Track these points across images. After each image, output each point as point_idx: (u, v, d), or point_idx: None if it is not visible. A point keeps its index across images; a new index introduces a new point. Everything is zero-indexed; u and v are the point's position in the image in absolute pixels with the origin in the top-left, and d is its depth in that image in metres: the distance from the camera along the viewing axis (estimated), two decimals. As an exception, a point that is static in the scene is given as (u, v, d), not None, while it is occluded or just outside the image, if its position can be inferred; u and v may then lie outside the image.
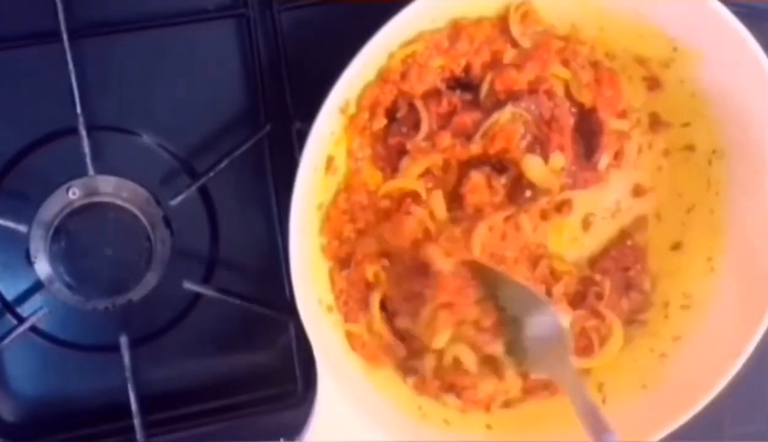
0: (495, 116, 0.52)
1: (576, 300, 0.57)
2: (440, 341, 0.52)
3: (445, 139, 0.52)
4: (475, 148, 0.52)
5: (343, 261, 0.54)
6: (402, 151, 0.53)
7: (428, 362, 0.54)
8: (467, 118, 0.53)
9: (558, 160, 0.53)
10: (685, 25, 0.51)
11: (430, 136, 0.53)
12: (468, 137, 0.52)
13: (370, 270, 0.53)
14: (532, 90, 0.53)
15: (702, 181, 0.56)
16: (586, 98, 0.54)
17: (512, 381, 0.55)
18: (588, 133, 0.55)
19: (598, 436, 0.45)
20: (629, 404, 0.56)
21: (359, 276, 0.53)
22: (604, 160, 0.55)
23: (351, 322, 0.54)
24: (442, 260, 0.52)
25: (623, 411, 0.56)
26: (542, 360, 0.51)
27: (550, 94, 0.54)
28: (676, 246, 0.58)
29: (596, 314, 0.57)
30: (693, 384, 0.54)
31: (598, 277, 0.57)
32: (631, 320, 0.58)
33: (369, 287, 0.54)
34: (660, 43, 0.53)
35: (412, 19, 0.48)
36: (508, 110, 0.52)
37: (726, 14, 0.49)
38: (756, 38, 0.50)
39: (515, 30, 0.52)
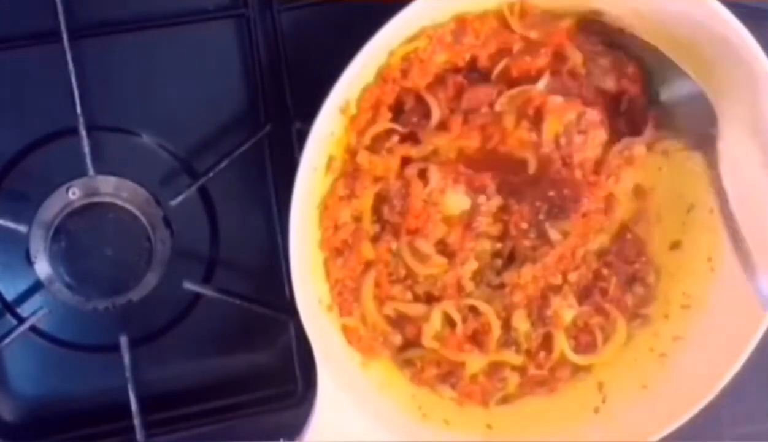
0: (528, 87, 0.52)
1: (582, 296, 0.57)
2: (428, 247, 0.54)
3: (458, 120, 0.52)
4: (509, 120, 0.53)
5: (338, 250, 0.54)
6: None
7: (427, 333, 0.55)
8: (479, 92, 0.53)
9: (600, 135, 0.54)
10: (685, 25, 0.51)
11: (444, 123, 0.53)
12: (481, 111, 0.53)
13: (367, 247, 0.53)
14: (554, 71, 0.53)
15: (702, 181, 0.56)
16: (610, 84, 0.54)
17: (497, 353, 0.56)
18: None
19: None
20: (629, 404, 0.56)
21: (355, 257, 0.53)
22: (648, 132, 0.54)
23: (346, 315, 0.54)
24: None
25: (623, 411, 0.56)
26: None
27: (573, 74, 0.53)
28: (676, 246, 0.58)
29: (601, 311, 0.57)
30: (693, 384, 0.54)
31: (605, 271, 0.57)
32: (634, 315, 0.58)
33: (366, 267, 0.54)
34: (660, 43, 0.53)
35: (413, 18, 0.48)
36: (543, 83, 0.52)
37: (726, 14, 0.49)
38: (756, 38, 0.50)
39: (516, 27, 0.52)
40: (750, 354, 0.52)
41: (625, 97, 0.55)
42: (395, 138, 0.53)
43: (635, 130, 0.55)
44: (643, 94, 0.54)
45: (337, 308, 0.54)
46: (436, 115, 0.53)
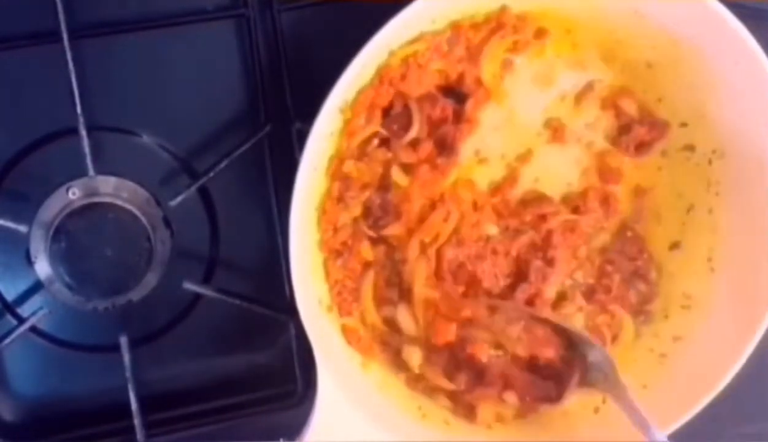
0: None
1: (587, 294, 0.57)
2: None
3: (427, 148, 0.53)
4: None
5: (338, 251, 0.54)
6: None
7: (414, 355, 0.55)
8: (453, 129, 0.53)
9: None
10: (685, 25, 0.51)
11: (415, 143, 0.53)
12: (447, 150, 0.53)
13: (366, 247, 0.54)
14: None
15: (702, 181, 0.56)
16: (521, 351, 0.55)
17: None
18: None
19: None
20: (629, 404, 0.56)
21: (355, 258, 0.54)
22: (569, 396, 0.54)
23: (345, 315, 0.54)
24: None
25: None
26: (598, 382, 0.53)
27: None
28: (676, 246, 0.58)
29: (605, 309, 0.57)
30: (693, 384, 0.54)
31: (608, 268, 0.57)
32: (638, 312, 0.58)
33: (365, 267, 0.54)
34: (660, 43, 0.53)
35: (413, 19, 0.48)
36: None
37: (726, 14, 0.49)
38: (756, 38, 0.50)
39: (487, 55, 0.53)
40: (750, 354, 0.52)
41: (540, 361, 0.55)
42: (375, 141, 0.53)
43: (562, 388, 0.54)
44: (560, 355, 0.54)
45: (337, 308, 0.54)
46: (414, 129, 0.53)
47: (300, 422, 0.51)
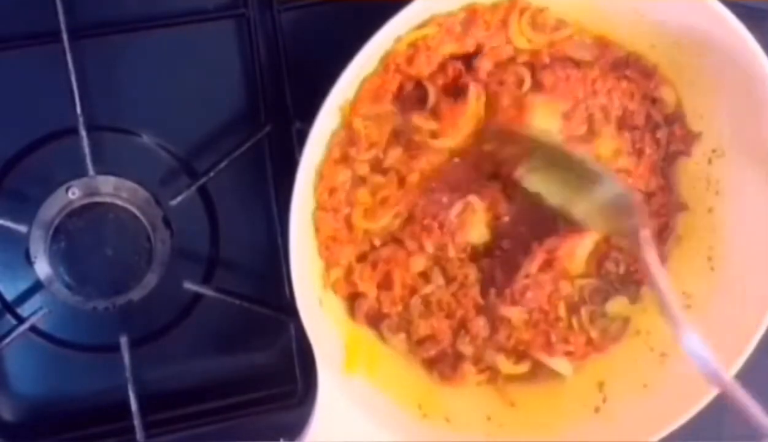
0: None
1: None
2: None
3: (448, 103, 0.52)
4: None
5: (332, 208, 0.53)
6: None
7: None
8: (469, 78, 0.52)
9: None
10: (685, 25, 0.51)
11: (434, 109, 0.52)
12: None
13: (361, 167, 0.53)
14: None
15: (702, 180, 0.56)
16: None
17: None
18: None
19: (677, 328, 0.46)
20: (629, 404, 0.56)
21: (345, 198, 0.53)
22: None
23: (333, 266, 0.54)
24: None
25: (623, 411, 0.56)
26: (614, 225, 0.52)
27: None
28: (676, 245, 0.58)
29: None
30: (693, 384, 0.54)
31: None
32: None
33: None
34: (660, 43, 0.53)
35: (412, 18, 0.48)
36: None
37: (726, 14, 0.49)
38: (756, 38, 0.50)
39: (513, 29, 0.52)
40: (750, 354, 0.52)
41: None
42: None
43: None
44: None
45: (325, 263, 0.54)
46: (432, 100, 0.52)
47: (300, 422, 0.51)
